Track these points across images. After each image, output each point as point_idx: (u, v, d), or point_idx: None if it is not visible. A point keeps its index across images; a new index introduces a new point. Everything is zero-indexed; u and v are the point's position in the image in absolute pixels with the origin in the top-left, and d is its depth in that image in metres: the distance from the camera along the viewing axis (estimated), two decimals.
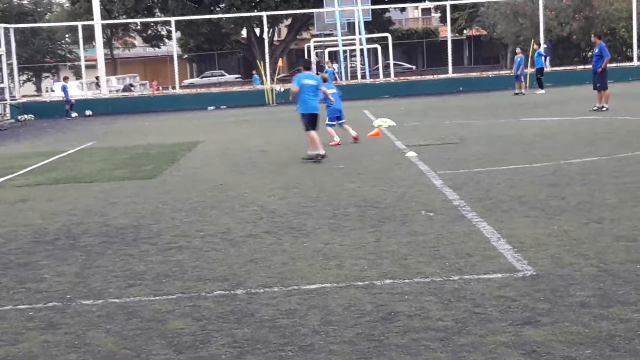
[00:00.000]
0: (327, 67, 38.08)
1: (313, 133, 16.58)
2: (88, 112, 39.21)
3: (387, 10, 68.55)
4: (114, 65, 76.00)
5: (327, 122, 19.51)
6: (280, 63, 49.42)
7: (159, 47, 78.60)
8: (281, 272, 7.90)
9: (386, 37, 54.25)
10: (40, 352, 5.99)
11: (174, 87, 45.68)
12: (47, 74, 75.95)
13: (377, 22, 64.91)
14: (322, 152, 16.38)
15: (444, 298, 6.80)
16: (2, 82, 38.80)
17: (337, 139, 19.31)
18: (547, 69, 41.55)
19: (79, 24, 47.27)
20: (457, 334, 5.91)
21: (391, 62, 53.24)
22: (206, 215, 11.26)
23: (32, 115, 37.70)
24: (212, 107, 39.97)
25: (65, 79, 44.03)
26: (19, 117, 36.91)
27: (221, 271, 8.09)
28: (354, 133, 19.68)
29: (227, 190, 13.37)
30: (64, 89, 40.07)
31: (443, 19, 62.87)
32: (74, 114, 38.47)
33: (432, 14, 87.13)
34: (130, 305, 7.07)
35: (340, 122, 19.86)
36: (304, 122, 16.80)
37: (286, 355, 5.66)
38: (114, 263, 8.67)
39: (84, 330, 6.43)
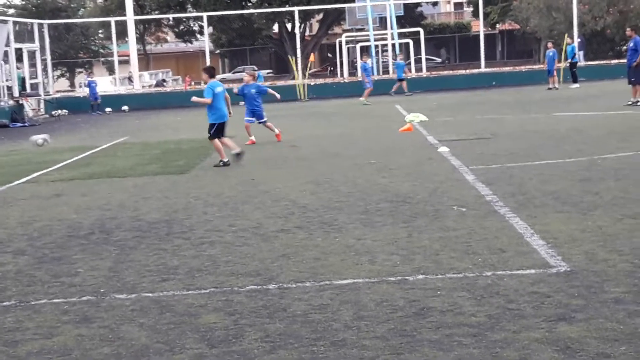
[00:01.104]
0: (362, 61, 37.87)
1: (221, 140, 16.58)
2: (124, 108, 39.46)
3: (419, 4, 68.34)
4: (146, 60, 76.44)
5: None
6: (311, 58, 49.37)
7: (191, 43, 78.87)
8: (313, 267, 7.91)
9: (418, 32, 54.07)
10: (74, 345, 6.04)
11: (205, 83, 45.78)
12: (80, 70, 76.53)
13: (409, 17, 64.75)
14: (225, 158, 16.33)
15: (476, 294, 6.76)
16: (37, 78, 39.15)
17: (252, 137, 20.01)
18: (581, 63, 41.24)
19: (112, 19, 47.62)
20: (490, 329, 5.89)
21: (423, 56, 53.04)
22: (238, 210, 11.30)
23: (66, 111, 38.03)
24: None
25: (91, 75, 44.41)
26: (53, 112, 37.27)
27: (253, 266, 8.11)
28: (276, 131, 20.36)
29: (259, 185, 13.41)
30: (90, 84, 40.39)
31: (475, 13, 62.50)
32: (102, 111, 38.71)
33: (465, 8, 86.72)
34: (164, 300, 7.11)
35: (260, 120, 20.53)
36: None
37: (318, 350, 5.67)
38: (147, 257, 8.73)
39: (117, 324, 6.48)
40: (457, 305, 6.49)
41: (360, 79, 38.13)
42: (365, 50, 52.07)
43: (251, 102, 20.63)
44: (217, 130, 16.54)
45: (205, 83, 17.21)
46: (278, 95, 21.84)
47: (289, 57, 48.09)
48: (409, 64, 52.60)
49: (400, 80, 39.06)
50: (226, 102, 16.85)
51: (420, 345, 5.63)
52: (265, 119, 20.68)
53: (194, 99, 17.30)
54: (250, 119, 20.56)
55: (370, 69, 37.89)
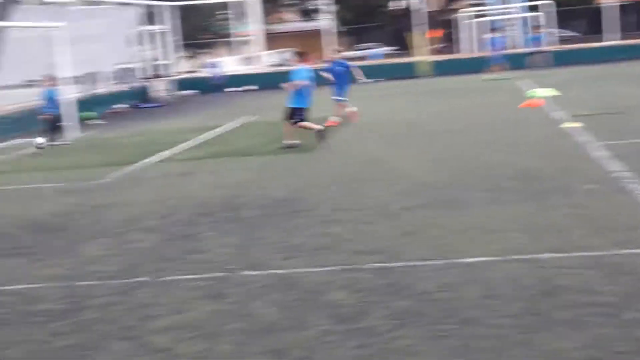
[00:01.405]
0: (491, 36, 36.85)
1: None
2: (248, 87, 40.00)
3: None
4: (269, 40, 77.20)
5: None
6: (438, 34, 48.87)
7: (312, 21, 79.14)
8: (439, 245, 7.85)
9: (548, 4, 52.72)
10: (206, 320, 6.19)
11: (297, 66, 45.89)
12: (207, 50, 77.92)
13: None
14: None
15: (608, 272, 6.59)
16: (165, 59, 40.09)
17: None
18: None
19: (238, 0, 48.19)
20: (623, 309, 5.73)
21: (554, 30, 51.65)
22: (362, 188, 11.31)
23: (193, 91, 38.81)
24: (368, 80, 39.98)
25: (215, 55, 45.23)
26: (181, 93, 38.10)
27: (377, 244, 8.11)
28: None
29: (382, 163, 13.38)
30: (213, 65, 41.13)
31: None
32: (225, 91, 39.36)
33: None
34: (291, 277, 7.19)
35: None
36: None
37: (446, 328, 5.63)
38: (273, 235, 8.84)
39: (247, 300, 6.60)
40: (588, 283, 6.34)
41: (488, 54, 37.33)
42: (493, 25, 51.13)
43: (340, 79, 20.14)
44: (299, 115, 16.33)
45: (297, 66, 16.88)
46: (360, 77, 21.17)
47: (411, 33, 47.70)
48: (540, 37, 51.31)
49: (534, 53, 37.65)
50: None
51: (553, 325, 5.52)
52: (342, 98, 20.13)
53: (287, 85, 16.76)
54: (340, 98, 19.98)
55: (500, 43, 37.01)
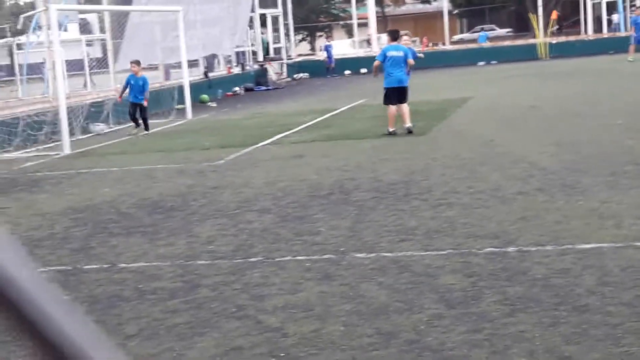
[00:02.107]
0: (635, 15, 35.40)
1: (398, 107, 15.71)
2: (363, 70, 40.01)
3: None
4: (384, 22, 76.91)
5: None
6: (554, 15, 47.74)
7: (429, 3, 78.48)
8: (554, 231, 7.69)
9: None
10: (317, 301, 6.23)
11: (444, 43, 45.54)
12: (320, 34, 78.27)
13: None
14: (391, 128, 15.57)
15: None
16: (279, 42, 40.46)
17: None
18: None
19: None
20: None
21: None
22: (476, 171, 11.17)
23: (307, 74, 39.07)
24: (482, 63, 39.48)
25: (331, 38, 45.30)
26: (295, 76, 38.41)
27: (491, 228, 8.00)
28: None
29: (497, 146, 13.18)
30: (327, 48, 41.23)
31: None
32: (337, 74, 39.40)
33: None
34: (402, 260, 7.17)
35: None
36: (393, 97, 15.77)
37: (560, 314, 5.52)
38: (385, 218, 8.83)
39: (357, 282, 6.61)
40: None
41: (630, 33, 35.50)
42: (610, 6, 49.59)
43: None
44: (387, 96, 15.97)
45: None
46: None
47: (530, 14, 46.75)
48: None
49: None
50: (407, 66, 15.98)
51: None
52: None
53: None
54: None
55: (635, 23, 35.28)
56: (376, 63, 16.27)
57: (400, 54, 15.85)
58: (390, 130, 15.66)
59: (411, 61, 16.01)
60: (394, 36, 16.53)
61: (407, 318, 5.71)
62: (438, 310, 5.82)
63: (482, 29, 72.75)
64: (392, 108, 15.87)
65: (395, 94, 15.88)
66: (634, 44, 33.25)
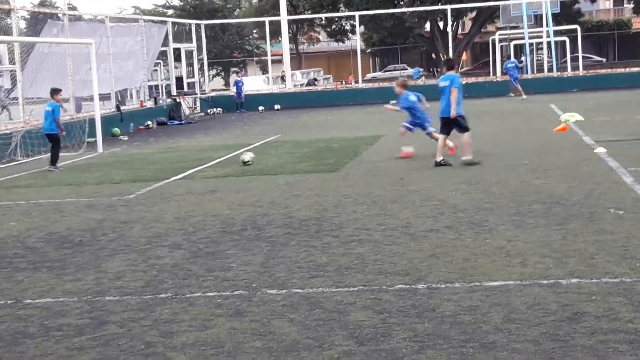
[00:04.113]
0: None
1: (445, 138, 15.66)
2: (277, 107, 40.15)
3: (576, 1, 66.44)
4: (298, 59, 77.53)
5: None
6: (464, 57, 48.84)
7: (342, 42, 79.48)
8: (463, 268, 7.82)
9: (575, 29, 52.60)
10: (227, 338, 6.19)
11: (357, 82, 46.06)
12: (235, 69, 78.42)
13: (566, 14, 63.01)
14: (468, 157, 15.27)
15: (634, 300, 6.52)
16: (193, 77, 40.37)
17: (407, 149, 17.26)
18: None
19: (266, 19, 48.49)
20: None
21: (580, 54, 51.53)
22: (387, 208, 11.29)
23: (221, 109, 39.02)
24: (394, 102, 39.99)
25: (238, 73, 45.55)
26: (209, 111, 38.32)
27: (402, 265, 8.08)
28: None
29: (408, 184, 13.36)
30: (237, 83, 41.39)
31: (636, 10, 60.22)
32: (246, 109, 39.49)
33: (625, 5, 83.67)
34: (313, 296, 7.18)
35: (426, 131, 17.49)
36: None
37: (467, 352, 5.59)
38: (297, 254, 8.84)
39: (268, 319, 6.59)
40: (613, 311, 6.27)
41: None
42: (518, 50, 51.01)
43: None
44: (441, 125, 15.65)
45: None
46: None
47: (441, 55, 47.71)
48: (565, 62, 51.23)
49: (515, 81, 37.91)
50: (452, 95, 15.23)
51: (574, 351, 5.47)
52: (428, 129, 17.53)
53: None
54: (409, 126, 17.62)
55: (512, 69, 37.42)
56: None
57: (447, 83, 15.41)
58: (438, 160, 15.30)
59: (453, 90, 15.25)
60: (449, 65, 16.40)
61: (317, 355, 5.71)
62: (348, 346, 5.84)
63: (395, 68, 73.91)
64: (440, 137, 15.62)
65: (442, 124, 15.60)
66: (517, 85, 36.35)
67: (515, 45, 51.99)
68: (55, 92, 19.34)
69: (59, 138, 19.00)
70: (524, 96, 35.56)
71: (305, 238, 9.66)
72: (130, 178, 16.31)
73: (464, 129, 15.55)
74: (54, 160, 18.97)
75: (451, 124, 15.54)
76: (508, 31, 54.73)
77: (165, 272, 8.38)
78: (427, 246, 8.84)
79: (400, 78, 17.46)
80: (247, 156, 17.60)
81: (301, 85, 55.03)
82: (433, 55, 71.55)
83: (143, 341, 6.22)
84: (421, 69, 39.08)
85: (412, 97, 17.28)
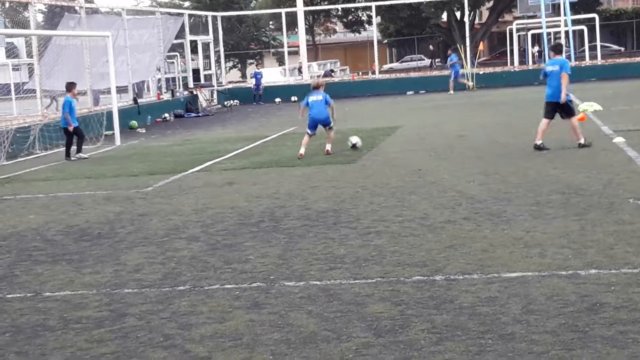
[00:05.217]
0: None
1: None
2: (294, 98, 40.13)
3: None
4: (315, 51, 77.40)
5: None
6: (481, 47, 48.61)
7: (359, 33, 79.27)
8: (481, 259, 7.80)
9: (593, 18, 52.27)
10: (245, 330, 6.20)
11: (373, 72, 45.98)
12: (251, 61, 78.39)
13: (584, 3, 62.57)
14: (581, 140, 15.30)
15: None
16: (210, 69, 40.40)
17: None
18: None
19: (283, 10, 48.46)
20: None
21: (598, 43, 51.22)
22: (404, 200, 11.27)
23: (238, 101, 39.05)
24: (411, 92, 39.96)
25: (257, 65, 45.61)
26: (225, 103, 38.35)
27: (420, 256, 8.07)
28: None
29: (426, 175, 13.33)
30: (256, 75, 41.37)
31: None
32: (264, 101, 39.53)
33: None
34: (331, 288, 7.18)
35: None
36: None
37: (486, 343, 5.58)
38: (315, 246, 8.85)
39: (286, 311, 6.60)
40: (632, 301, 6.24)
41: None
42: (535, 39, 50.72)
43: None
44: (546, 110, 15.57)
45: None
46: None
47: (458, 45, 47.56)
48: (583, 51, 50.91)
49: (456, 77, 38.34)
50: (562, 81, 15.23)
51: (593, 342, 5.45)
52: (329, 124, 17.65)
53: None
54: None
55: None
56: (542, 78, 15.98)
57: (555, 68, 15.44)
58: (580, 141, 15.30)
59: (564, 75, 15.30)
60: (557, 50, 16.29)
61: (335, 347, 5.72)
62: (366, 338, 5.84)
63: (412, 59, 73.68)
64: (544, 121, 15.55)
65: (549, 108, 15.53)
66: (453, 79, 37.94)
67: (532, 35, 51.73)
68: (70, 86, 19.61)
69: (73, 131, 19.33)
70: (452, 92, 37.06)
71: (322, 230, 9.66)
72: (147, 171, 16.36)
73: (571, 113, 15.52)
74: (78, 149, 19.57)
75: (558, 109, 15.49)
76: (525, 20, 54.45)
77: (183, 265, 8.41)
78: (444, 237, 8.82)
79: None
80: (355, 139, 17.66)
81: (318, 76, 54.98)
82: (431, 47, 71.40)
83: (162, 333, 6.25)
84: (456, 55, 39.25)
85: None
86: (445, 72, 42.40)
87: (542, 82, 16.30)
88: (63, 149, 20.15)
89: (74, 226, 10.95)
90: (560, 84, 15.24)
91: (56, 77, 26.46)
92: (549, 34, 49.85)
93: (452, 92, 37.07)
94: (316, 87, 18.12)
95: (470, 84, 37.97)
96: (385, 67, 72.79)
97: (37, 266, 8.79)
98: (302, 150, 17.03)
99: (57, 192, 14.19)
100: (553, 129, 15.74)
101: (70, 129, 19.32)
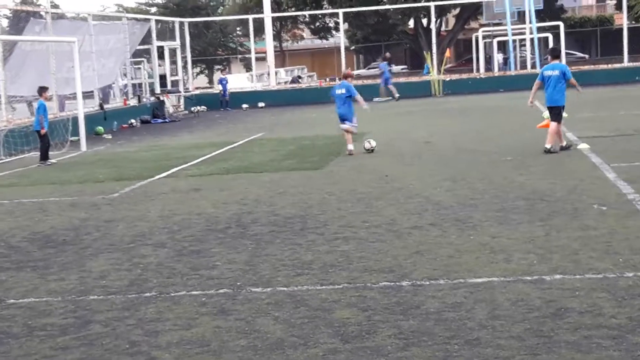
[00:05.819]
0: None
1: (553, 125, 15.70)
2: (261, 104, 40.09)
3: None
4: (282, 57, 77.40)
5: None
6: (447, 54, 48.90)
7: (326, 39, 79.36)
8: (447, 265, 7.84)
9: (558, 26, 52.76)
10: (212, 337, 6.18)
11: (340, 79, 46.05)
12: (219, 67, 78.19)
13: (549, 10, 63.14)
14: (562, 143, 15.77)
15: (617, 295, 6.56)
16: (177, 75, 40.24)
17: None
18: None
19: (250, 17, 48.39)
20: (631, 332, 5.70)
21: (563, 51, 51.69)
22: (372, 206, 11.30)
23: (205, 107, 38.90)
24: (377, 99, 40.03)
25: (222, 71, 45.59)
26: (192, 109, 38.19)
27: (387, 262, 8.10)
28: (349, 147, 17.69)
29: (393, 181, 13.38)
30: (221, 81, 41.30)
31: (619, 6, 60.41)
32: (230, 107, 39.48)
33: (607, 1, 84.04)
34: (298, 294, 7.18)
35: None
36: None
37: (452, 348, 5.61)
38: (282, 252, 8.84)
39: (253, 317, 6.59)
40: (596, 306, 6.31)
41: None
42: (500, 46, 51.10)
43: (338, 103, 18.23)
44: (551, 114, 15.84)
45: None
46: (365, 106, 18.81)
47: (424, 52, 47.80)
48: (547, 58, 51.31)
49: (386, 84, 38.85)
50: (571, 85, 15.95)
51: (557, 347, 5.50)
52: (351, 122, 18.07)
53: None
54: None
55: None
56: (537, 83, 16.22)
57: (554, 72, 15.81)
58: (562, 144, 15.76)
59: (572, 81, 15.93)
60: (554, 54, 16.72)
61: (302, 353, 5.72)
62: (333, 344, 5.84)
63: (379, 65, 73.79)
64: (554, 124, 15.72)
65: (553, 112, 15.80)
66: (383, 87, 38.21)
67: (498, 42, 52.08)
68: (42, 90, 19.84)
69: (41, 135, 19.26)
70: (385, 98, 37.56)
71: (290, 236, 9.66)
72: (114, 177, 16.26)
73: (558, 119, 15.76)
74: (43, 156, 19.39)
75: (551, 110, 15.86)
76: (491, 28, 54.83)
77: (149, 271, 8.37)
78: (411, 243, 8.86)
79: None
80: (372, 143, 17.72)
81: (285, 82, 54.97)
82: (387, 55, 71.75)
83: (128, 340, 6.21)
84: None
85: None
86: (413, 79, 42.61)
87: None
88: (28, 154, 20.00)
89: (39, 233, 10.86)
90: (560, 88, 15.77)
91: (21, 82, 26.22)
92: (514, 41, 50.27)
93: (382, 98, 37.43)
94: (345, 77, 18.36)
95: (397, 95, 37.93)
96: (355, 72, 72.91)
97: (1, 273, 8.70)
98: (350, 147, 17.35)
99: (22, 198, 14.07)
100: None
101: (43, 132, 19.24)
